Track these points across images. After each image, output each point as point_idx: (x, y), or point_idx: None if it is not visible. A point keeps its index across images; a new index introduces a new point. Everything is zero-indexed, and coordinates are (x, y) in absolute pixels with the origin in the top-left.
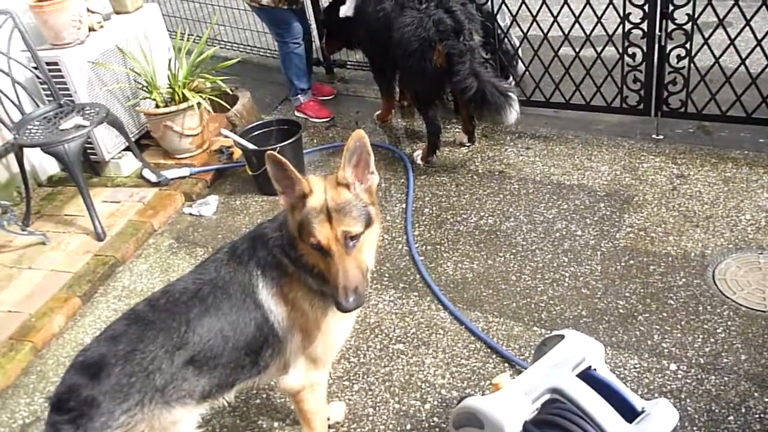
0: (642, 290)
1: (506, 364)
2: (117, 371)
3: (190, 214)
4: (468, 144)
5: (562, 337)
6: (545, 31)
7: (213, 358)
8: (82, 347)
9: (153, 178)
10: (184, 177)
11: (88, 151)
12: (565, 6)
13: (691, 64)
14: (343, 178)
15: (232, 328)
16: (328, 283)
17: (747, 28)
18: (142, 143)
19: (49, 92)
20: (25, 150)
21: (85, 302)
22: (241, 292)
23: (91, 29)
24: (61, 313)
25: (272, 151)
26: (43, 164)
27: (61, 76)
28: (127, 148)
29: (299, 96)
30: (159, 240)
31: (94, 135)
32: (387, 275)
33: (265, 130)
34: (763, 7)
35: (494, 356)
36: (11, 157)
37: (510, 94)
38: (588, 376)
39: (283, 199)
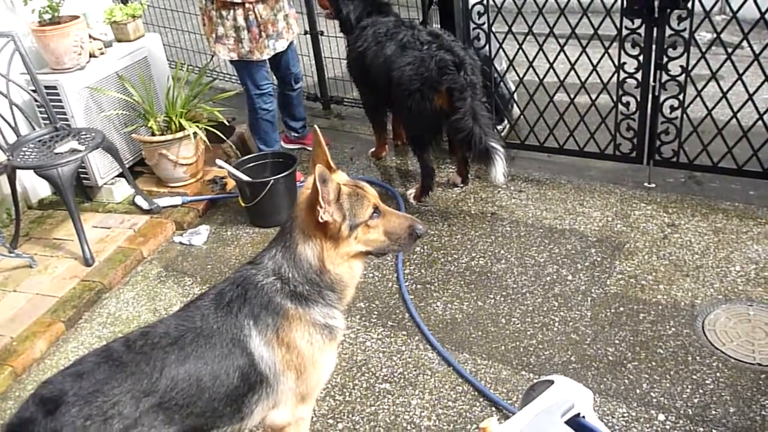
0: (632, 338)
1: (494, 408)
2: (74, 411)
3: (181, 243)
4: (461, 185)
5: (551, 382)
6: (541, 76)
7: (185, 406)
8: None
9: (145, 205)
10: (176, 206)
11: (81, 175)
12: (561, 53)
13: (684, 115)
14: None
15: (212, 378)
16: (392, 243)
17: (739, 82)
18: (136, 170)
19: (46, 116)
20: (18, 172)
21: (69, 328)
22: (229, 341)
23: (92, 55)
24: (43, 338)
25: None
26: (35, 187)
27: (59, 101)
28: (121, 174)
29: (294, 135)
30: (147, 268)
31: (89, 160)
32: (376, 313)
33: (260, 162)
34: (755, 63)
35: (482, 399)
36: (3, 179)
37: (495, 155)
38: (577, 424)
39: (335, 211)
